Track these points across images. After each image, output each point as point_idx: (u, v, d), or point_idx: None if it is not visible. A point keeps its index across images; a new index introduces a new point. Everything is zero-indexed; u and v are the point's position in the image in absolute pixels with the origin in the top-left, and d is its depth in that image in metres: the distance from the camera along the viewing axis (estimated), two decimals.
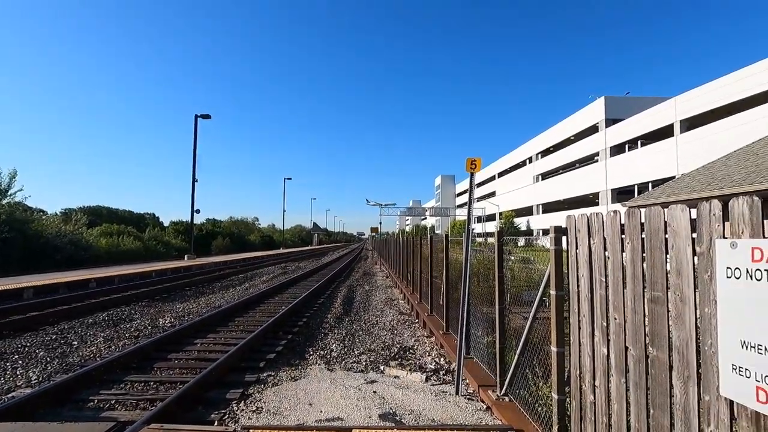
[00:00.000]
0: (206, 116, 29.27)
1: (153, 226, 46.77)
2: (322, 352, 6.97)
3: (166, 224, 53.71)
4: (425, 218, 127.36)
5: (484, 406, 4.45)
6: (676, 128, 34.51)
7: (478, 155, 5.48)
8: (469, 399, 4.73)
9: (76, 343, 7.16)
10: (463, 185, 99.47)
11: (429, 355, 6.96)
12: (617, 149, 42.86)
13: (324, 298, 13.13)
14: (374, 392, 4.80)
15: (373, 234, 63.14)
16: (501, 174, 75.88)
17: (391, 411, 4.26)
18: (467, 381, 5.22)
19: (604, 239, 2.65)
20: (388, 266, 24.20)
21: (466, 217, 5.33)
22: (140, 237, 36.63)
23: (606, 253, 2.64)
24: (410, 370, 6.10)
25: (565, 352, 3.15)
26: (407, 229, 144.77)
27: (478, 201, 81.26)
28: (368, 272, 23.92)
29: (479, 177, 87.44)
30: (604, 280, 2.66)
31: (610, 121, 43.98)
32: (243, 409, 4.46)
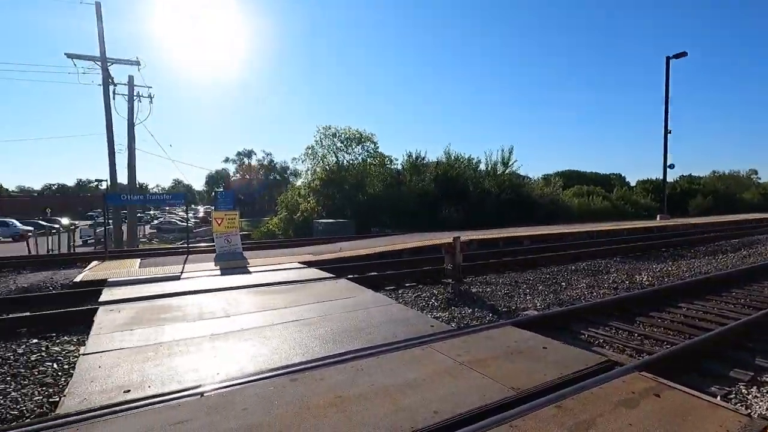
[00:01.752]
0: (681, 55, 25.17)
1: (620, 186, 46.56)
2: None
3: (632, 184, 52.01)
4: None
5: None
6: None
7: None
8: None
9: (564, 284, 8.38)
10: None
11: None
12: None
13: None
14: None
15: None
16: None
17: None
18: None
19: None
20: None
21: None
22: (608, 197, 37.53)
23: None
24: None
25: None
26: None
27: None
28: None
29: None
30: None
31: None
32: (756, 396, 3.63)
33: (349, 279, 7.93)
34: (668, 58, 25.71)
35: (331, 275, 8.11)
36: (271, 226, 32.37)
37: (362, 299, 6.20)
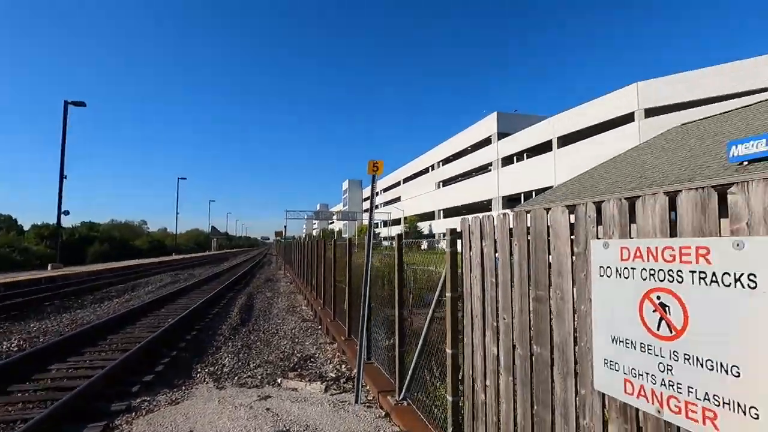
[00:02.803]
0: (80, 103, 25.38)
1: (8, 230, 39.44)
2: (211, 368, 6.33)
3: (26, 228, 45.74)
4: (333, 222, 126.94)
5: (383, 413, 4.37)
6: (554, 144, 39.22)
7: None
8: (368, 406, 4.61)
9: None
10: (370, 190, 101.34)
11: (330, 363, 6.74)
12: (507, 160, 47.27)
13: (219, 307, 12.12)
14: (267, 409, 4.43)
15: (278, 238, 61.13)
16: (406, 180, 78.81)
17: (284, 428, 3.95)
18: (368, 387, 5.11)
19: (495, 241, 2.72)
20: (292, 272, 23.42)
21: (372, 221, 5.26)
22: None
23: (496, 254, 2.71)
24: (309, 380, 5.81)
25: (459, 353, 3.19)
26: (314, 233, 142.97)
27: (384, 206, 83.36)
28: (271, 278, 22.88)
29: (385, 182, 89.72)
30: (494, 281, 2.72)
31: (502, 135, 48.36)
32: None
33: None
34: (66, 104, 25.22)
35: None
36: None
37: None
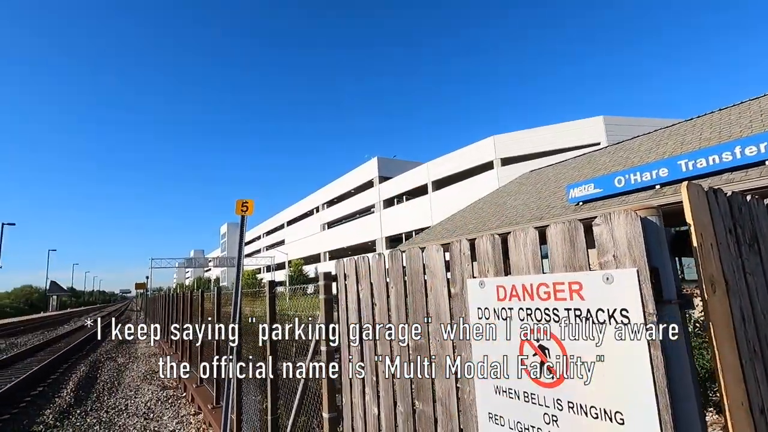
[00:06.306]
0: None
1: None
2: None
3: None
4: (209, 269, 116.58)
5: None
6: (429, 187, 42.50)
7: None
8: None
9: None
10: (254, 232, 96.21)
11: None
12: (388, 202, 49.54)
13: (45, 385, 9.62)
14: None
15: (141, 291, 53.39)
16: (290, 222, 76.86)
17: None
18: None
19: (371, 284, 2.47)
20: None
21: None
22: None
23: (373, 299, 2.46)
24: None
25: (339, 416, 2.79)
26: (187, 282, 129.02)
27: (267, 250, 79.55)
28: (127, 339, 19.41)
29: (268, 226, 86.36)
30: (372, 329, 2.45)
31: (383, 179, 50.81)
32: None
33: None
34: None
35: None
36: None
37: None
